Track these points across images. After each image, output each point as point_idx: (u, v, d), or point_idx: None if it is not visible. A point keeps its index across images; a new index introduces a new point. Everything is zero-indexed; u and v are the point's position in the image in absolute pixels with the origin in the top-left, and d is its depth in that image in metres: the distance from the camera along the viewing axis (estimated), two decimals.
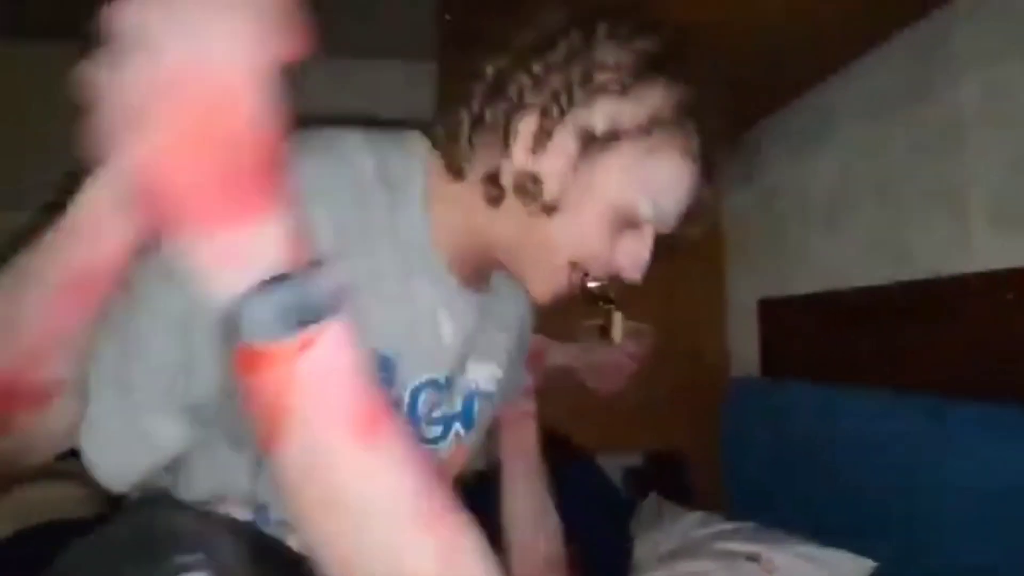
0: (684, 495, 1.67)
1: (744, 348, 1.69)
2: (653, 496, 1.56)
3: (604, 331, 1.61)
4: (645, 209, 0.64)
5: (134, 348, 0.55)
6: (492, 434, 1.05)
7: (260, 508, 0.64)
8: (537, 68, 0.62)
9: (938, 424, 1.08)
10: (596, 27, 0.63)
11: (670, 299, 1.77)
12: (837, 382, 1.37)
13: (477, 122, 0.64)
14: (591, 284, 0.70)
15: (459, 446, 0.77)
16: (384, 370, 0.64)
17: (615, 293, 1.06)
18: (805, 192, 1.53)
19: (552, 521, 1.05)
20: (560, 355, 1.22)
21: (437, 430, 0.74)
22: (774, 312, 1.60)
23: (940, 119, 1.18)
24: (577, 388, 1.35)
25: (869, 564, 1.13)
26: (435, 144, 0.67)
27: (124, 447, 0.56)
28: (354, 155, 0.62)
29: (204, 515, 0.58)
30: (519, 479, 1.05)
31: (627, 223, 0.64)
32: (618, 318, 1.64)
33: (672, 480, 1.72)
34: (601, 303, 1.23)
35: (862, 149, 1.37)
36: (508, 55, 0.64)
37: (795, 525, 1.32)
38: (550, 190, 0.62)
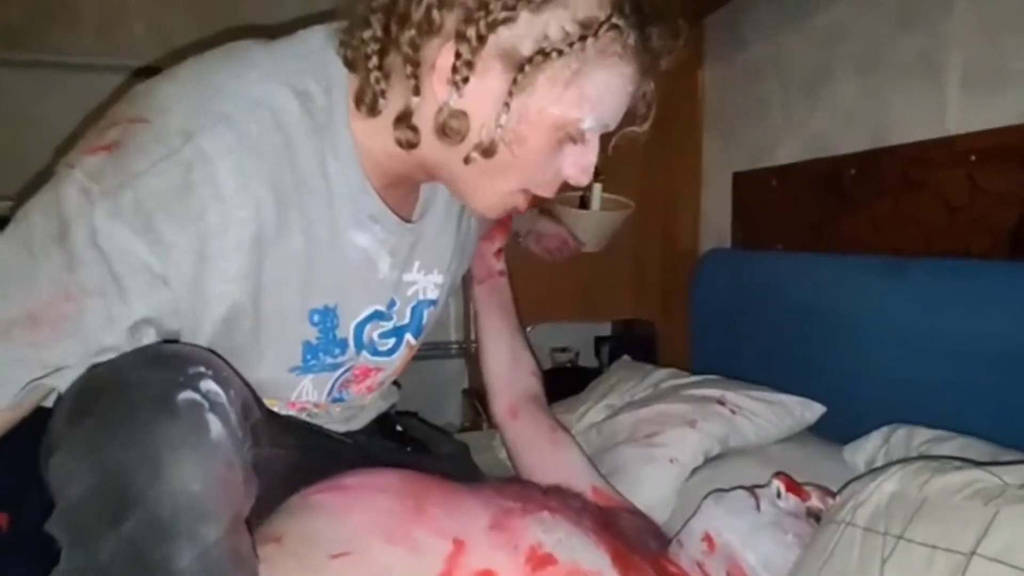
0: (652, 362, 1.77)
1: (717, 221, 1.74)
2: (625, 358, 1.65)
3: (583, 202, 1.65)
4: (588, 123, 0.61)
5: None
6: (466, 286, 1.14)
7: None
8: None
9: (899, 281, 1.16)
10: None
11: (647, 172, 1.80)
12: (807, 251, 1.44)
13: (384, 49, 0.58)
14: None
15: (409, 349, 0.85)
16: (327, 318, 0.70)
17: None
18: (786, 66, 1.54)
19: (530, 361, 1.13)
20: (519, 221, 1.27)
21: (389, 342, 0.82)
22: (747, 184, 1.65)
23: None
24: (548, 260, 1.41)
25: (820, 409, 1.24)
26: (347, 65, 0.62)
27: None
28: (276, 99, 0.59)
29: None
30: (496, 328, 1.12)
31: (571, 139, 0.62)
32: (597, 189, 1.68)
33: (640, 347, 1.81)
34: None
35: (845, 22, 1.37)
36: None
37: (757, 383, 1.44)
38: (482, 130, 0.58)
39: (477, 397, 1.82)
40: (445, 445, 1.02)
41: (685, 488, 1.09)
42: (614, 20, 0.57)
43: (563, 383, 1.54)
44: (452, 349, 2.04)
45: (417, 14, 0.55)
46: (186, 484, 0.47)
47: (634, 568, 0.74)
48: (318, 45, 0.63)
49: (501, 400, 1.08)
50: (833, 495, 0.90)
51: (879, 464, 1.01)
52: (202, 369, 0.53)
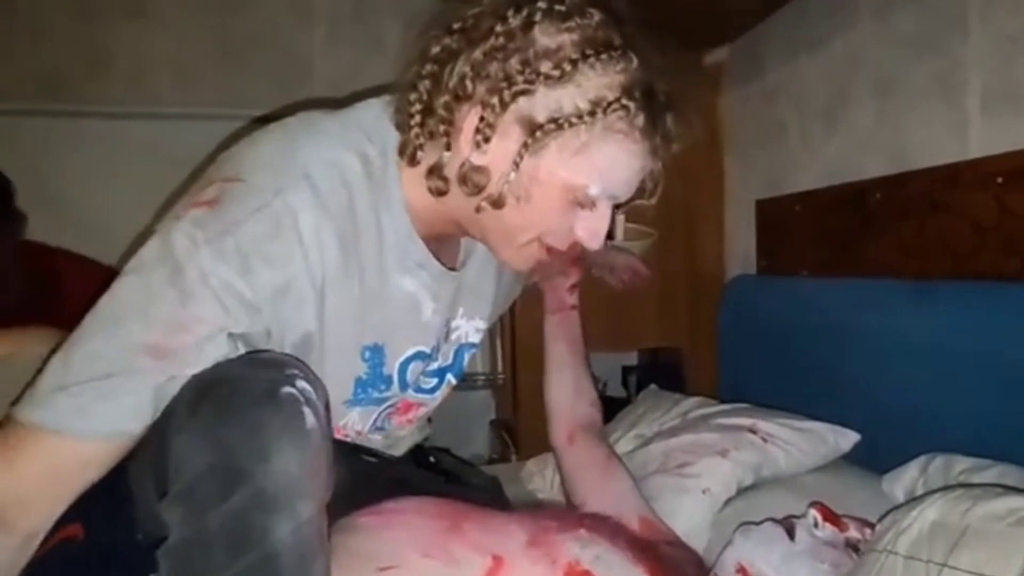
0: (679, 390, 1.76)
1: (741, 247, 1.75)
2: (652, 387, 1.65)
3: (608, 232, 1.65)
4: (595, 191, 0.67)
5: None
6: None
7: None
8: (477, 55, 0.64)
9: (928, 304, 1.15)
10: (534, 9, 0.63)
11: (669, 199, 1.81)
12: (832, 276, 1.43)
13: (426, 111, 0.67)
14: None
15: (449, 387, 0.93)
16: (376, 356, 0.77)
17: None
18: (804, 91, 1.55)
19: (591, 392, 1.13)
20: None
21: (433, 381, 0.89)
22: (771, 210, 1.65)
23: (943, 10, 1.20)
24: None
25: (854, 436, 1.22)
26: (397, 127, 0.71)
27: None
28: (343, 161, 0.68)
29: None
30: (563, 358, 1.13)
31: (579, 203, 0.68)
32: (620, 220, 1.69)
33: (667, 376, 1.81)
34: None
35: (864, 46, 1.39)
36: (451, 39, 0.66)
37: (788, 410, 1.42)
38: (496, 184, 0.66)
39: (505, 429, 1.82)
40: (476, 477, 1.03)
41: (719, 519, 1.08)
42: (623, 101, 0.64)
43: None
44: (479, 381, 2.05)
45: (452, 83, 0.65)
46: (288, 465, 0.54)
47: None
48: (374, 115, 0.73)
49: (560, 427, 1.09)
50: (872, 526, 0.89)
51: (919, 493, 0.99)
52: (296, 371, 0.60)
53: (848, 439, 1.22)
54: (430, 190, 0.70)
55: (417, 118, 0.68)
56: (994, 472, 0.91)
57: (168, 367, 0.60)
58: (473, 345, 0.93)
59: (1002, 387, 1.02)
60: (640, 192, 0.72)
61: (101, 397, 0.60)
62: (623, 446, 1.35)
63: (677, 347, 1.85)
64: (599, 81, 0.63)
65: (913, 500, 0.91)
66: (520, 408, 1.75)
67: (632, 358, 2.01)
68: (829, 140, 1.48)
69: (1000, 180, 1.08)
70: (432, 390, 0.90)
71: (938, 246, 1.20)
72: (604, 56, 0.63)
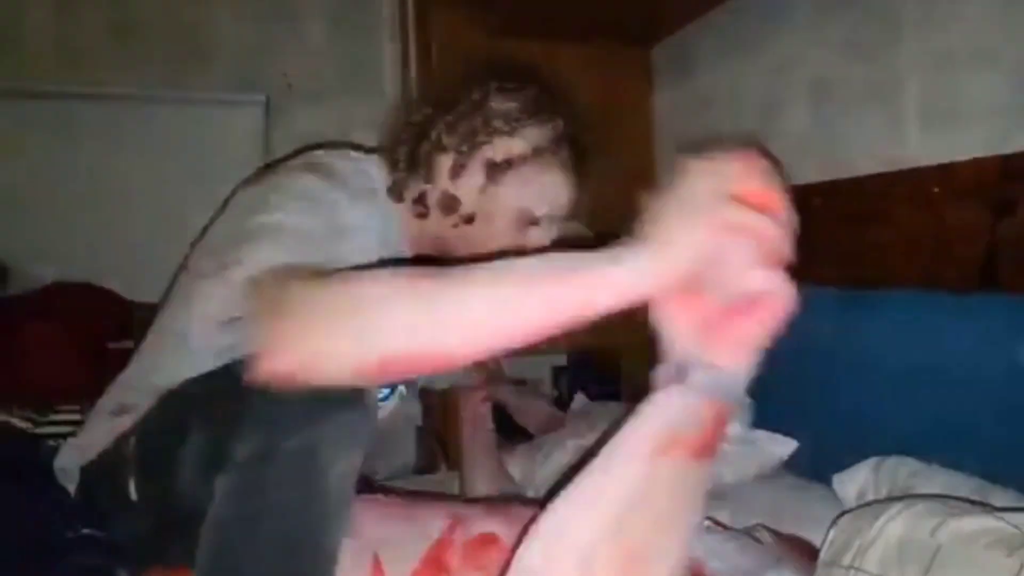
0: (614, 391, 1.74)
1: None
2: (579, 397, 1.61)
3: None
4: (540, 211, 0.89)
5: None
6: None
7: None
8: (449, 118, 0.88)
9: (862, 312, 1.17)
10: (489, 86, 0.88)
11: (602, 198, 1.78)
12: None
13: (410, 159, 0.89)
14: None
15: (400, 400, 1.03)
16: None
17: None
18: (737, 95, 1.56)
19: (505, 482, 1.24)
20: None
21: (384, 392, 0.98)
22: None
23: (879, 16, 1.22)
24: None
25: (792, 444, 1.23)
26: (389, 171, 0.91)
27: None
28: (372, 185, 0.89)
29: None
30: (478, 447, 1.25)
31: (529, 222, 0.89)
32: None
33: (601, 378, 1.78)
34: None
35: (796, 51, 1.39)
36: (428, 109, 0.90)
37: None
38: (466, 206, 0.88)
39: (435, 437, 1.73)
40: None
41: None
42: (554, 148, 0.88)
43: None
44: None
45: (432, 136, 0.88)
46: (352, 416, 0.64)
47: None
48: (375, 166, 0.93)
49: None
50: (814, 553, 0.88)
51: (870, 496, 1.00)
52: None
53: (787, 447, 1.22)
54: (415, 214, 0.90)
55: (404, 166, 0.89)
56: (942, 480, 0.93)
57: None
58: None
59: (936, 397, 1.03)
60: (573, 214, 0.94)
61: None
62: (559, 457, 1.30)
63: (611, 347, 1.82)
64: (537, 134, 0.88)
65: (865, 506, 0.92)
66: (451, 415, 1.66)
67: (561, 359, 1.97)
68: (763, 144, 1.48)
69: (936, 190, 1.11)
70: (384, 399, 0.98)
71: (873, 254, 1.22)
72: (539, 116, 0.88)
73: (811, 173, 1.35)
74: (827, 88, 1.33)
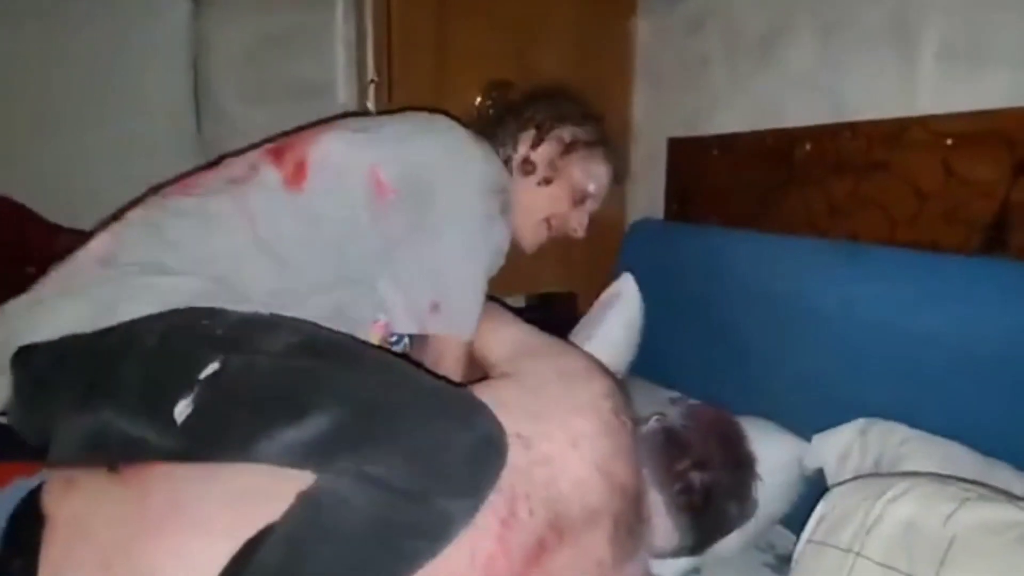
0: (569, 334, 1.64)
1: (647, 188, 1.62)
2: None
3: None
4: (591, 190, 1.12)
5: None
6: None
7: None
8: (530, 112, 1.12)
9: (855, 268, 1.09)
10: (560, 97, 1.15)
11: None
12: (749, 228, 1.35)
13: (506, 135, 1.12)
14: None
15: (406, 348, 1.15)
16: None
17: None
18: (735, 21, 1.42)
19: None
20: None
21: (396, 337, 1.10)
22: (685, 151, 1.53)
23: None
24: None
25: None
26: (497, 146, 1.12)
27: None
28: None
29: None
30: None
31: (579, 199, 1.12)
32: None
33: (558, 323, 1.67)
34: None
35: None
36: (521, 106, 1.15)
37: (688, 371, 1.35)
38: (541, 170, 1.10)
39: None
40: None
41: None
42: (603, 143, 1.15)
43: None
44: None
45: (520, 121, 1.12)
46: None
47: None
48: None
49: None
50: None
51: (854, 459, 0.94)
52: None
53: None
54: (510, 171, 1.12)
55: (501, 137, 1.12)
56: (941, 452, 0.87)
57: None
58: None
59: (929, 365, 0.96)
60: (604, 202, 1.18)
61: None
62: None
63: (570, 292, 1.71)
64: (594, 130, 1.14)
65: (860, 478, 0.85)
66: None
67: (520, 301, 1.86)
68: (759, 79, 1.36)
69: (950, 142, 1.02)
70: (394, 344, 1.10)
71: (873, 207, 1.13)
72: (595, 118, 1.15)
73: (811, 115, 1.24)
74: (837, 22, 1.20)
